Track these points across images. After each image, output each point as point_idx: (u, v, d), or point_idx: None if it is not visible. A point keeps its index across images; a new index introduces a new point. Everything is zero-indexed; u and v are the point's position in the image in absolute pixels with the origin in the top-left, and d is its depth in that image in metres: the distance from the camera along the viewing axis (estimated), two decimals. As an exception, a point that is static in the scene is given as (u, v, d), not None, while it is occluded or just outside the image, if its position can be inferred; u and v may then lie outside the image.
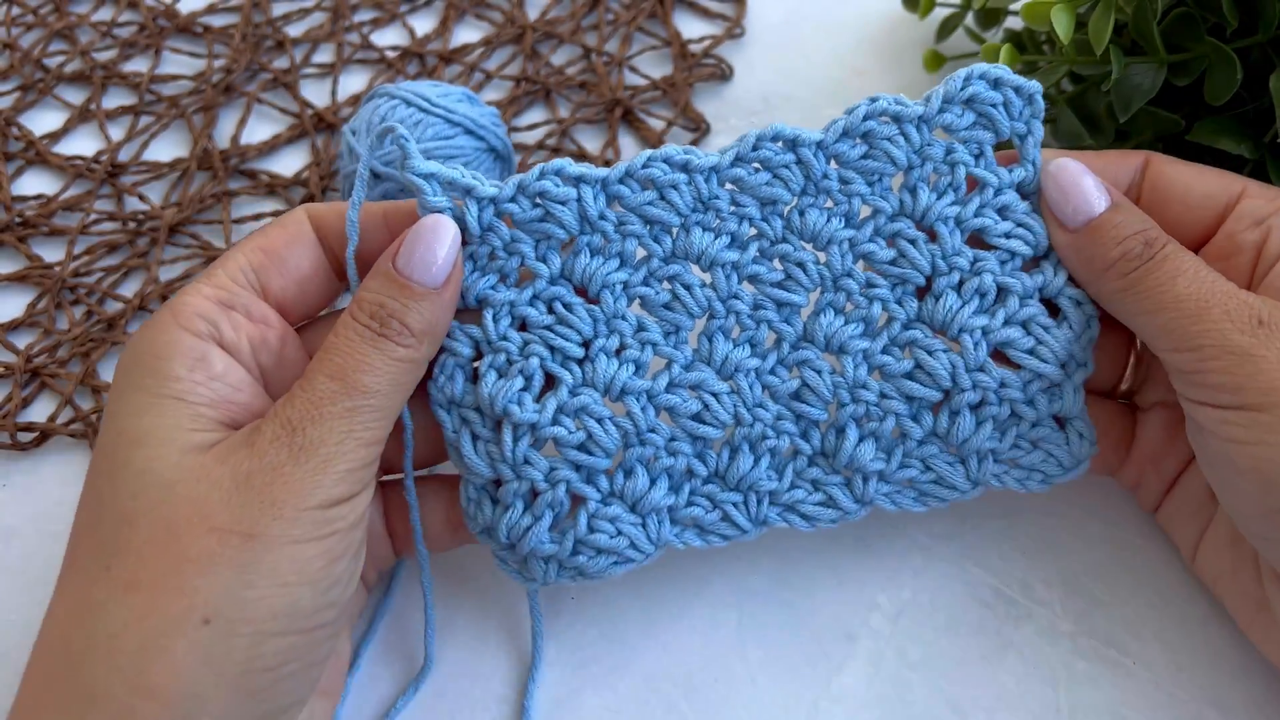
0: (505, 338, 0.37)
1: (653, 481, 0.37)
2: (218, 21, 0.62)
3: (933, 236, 0.38)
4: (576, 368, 0.37)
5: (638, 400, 0.37)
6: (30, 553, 0.43)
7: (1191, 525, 0.39)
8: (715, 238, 0.37)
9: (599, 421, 0.36)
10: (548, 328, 0.37)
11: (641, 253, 0.38)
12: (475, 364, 0.37)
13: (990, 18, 0.54)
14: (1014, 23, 0.55)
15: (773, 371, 0.38)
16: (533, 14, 0.61)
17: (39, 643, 0.31)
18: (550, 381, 0.37)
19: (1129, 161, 0.39)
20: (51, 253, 0.53)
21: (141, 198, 0.54)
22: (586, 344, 0.37)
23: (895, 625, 0.40)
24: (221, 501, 0.30)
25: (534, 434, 0.36)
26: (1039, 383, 0.37)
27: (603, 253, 0.37)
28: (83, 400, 0.48)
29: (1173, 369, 0.35)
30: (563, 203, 0.36)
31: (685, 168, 0.37)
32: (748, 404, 0.37)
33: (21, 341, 0.50)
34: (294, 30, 0.61)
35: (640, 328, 0.37)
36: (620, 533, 0.37)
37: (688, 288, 0.37)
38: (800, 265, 0.38)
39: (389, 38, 0.61)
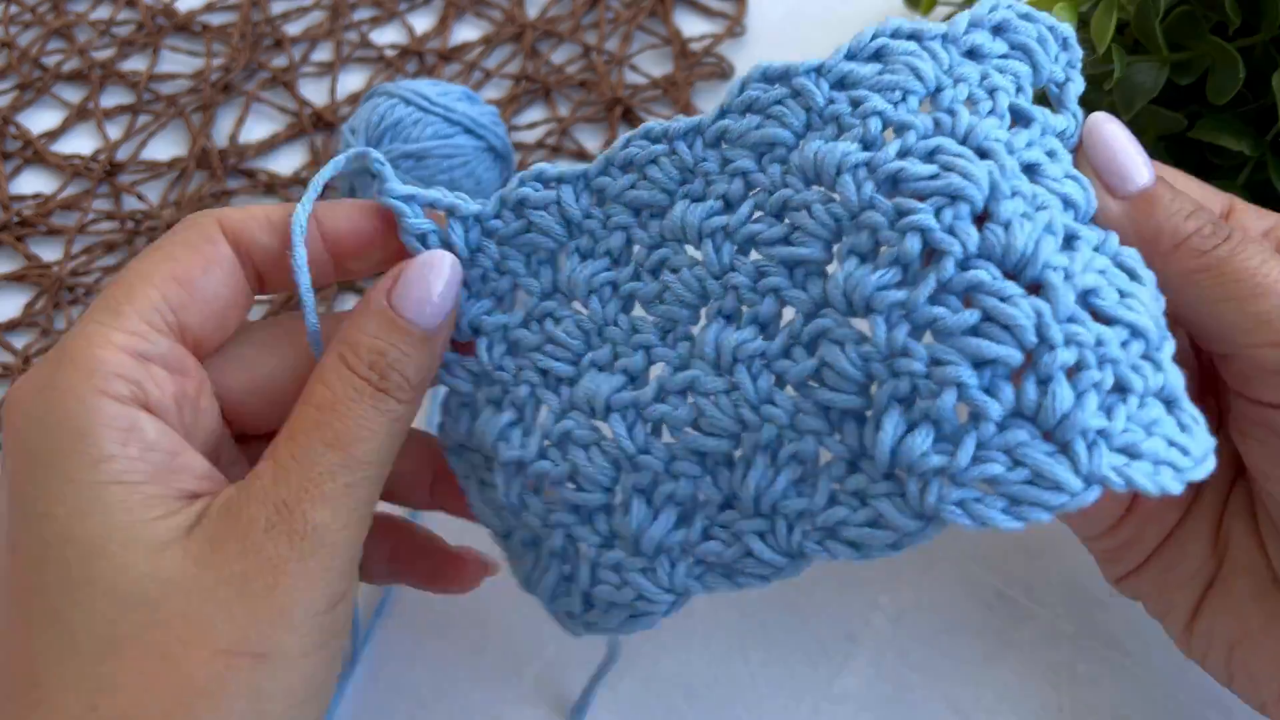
0: (500, 367, 0.33)
1: (656, 515, 0.30)
2: (216, 20, 0.62)
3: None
4: (566, 389, 0.32)
5: (624, 418, 0.31)
6: (28, 553, 0.43)
7: (1191, 585, 0.33)
8: (699, 204, 0.31)
9: (584, 449, 0.31)
10: (537, 348, 0.32)
11: (636, 247, 0.33)
12: None
13: (991, 16, 0.54)
14: (1015, 21, 0.55)
15: (789, 354, 0.29)
16: (532, 12, 0.61)
17: None
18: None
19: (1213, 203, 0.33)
20: (49, 252, 0.52)
21: (140, 197, 0.54)
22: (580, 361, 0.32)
23: (897, 626, 0.40)
24: (221, 616, 0.26)
25: (523, 473, 0.31)
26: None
27: (591, 254, 0.33)
28: (81, 400, 0.47)
29: (1262, 368, 0.29)
30: (543, 208, 0.32)
31: (664, 135, 0.32)
32: (750, 401, 0.29)
33: (19, 342, 0.50)
34: (292, 28, 0.61)
35: (634, 330, 0.32)
36: (626, 583, 0.31)
37: (675, 271, 0.31)
38: (806, 208, 0.29)
39: (388, 36, 0.61)
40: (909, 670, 0.39)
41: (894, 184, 0.28)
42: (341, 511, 0.27)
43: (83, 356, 0.27)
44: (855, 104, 0.29)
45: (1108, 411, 0.26)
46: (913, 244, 0.27)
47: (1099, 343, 0.26)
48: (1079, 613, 0.40)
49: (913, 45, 0.30)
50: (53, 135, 0.57)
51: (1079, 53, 0.31)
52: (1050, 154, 0.29)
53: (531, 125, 0.56)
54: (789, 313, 0.30)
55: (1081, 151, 0.31)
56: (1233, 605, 0.33)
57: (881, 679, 0.39)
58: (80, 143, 0.57)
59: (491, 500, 0.32)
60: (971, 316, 0.26)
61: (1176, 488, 0.26)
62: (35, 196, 0.54)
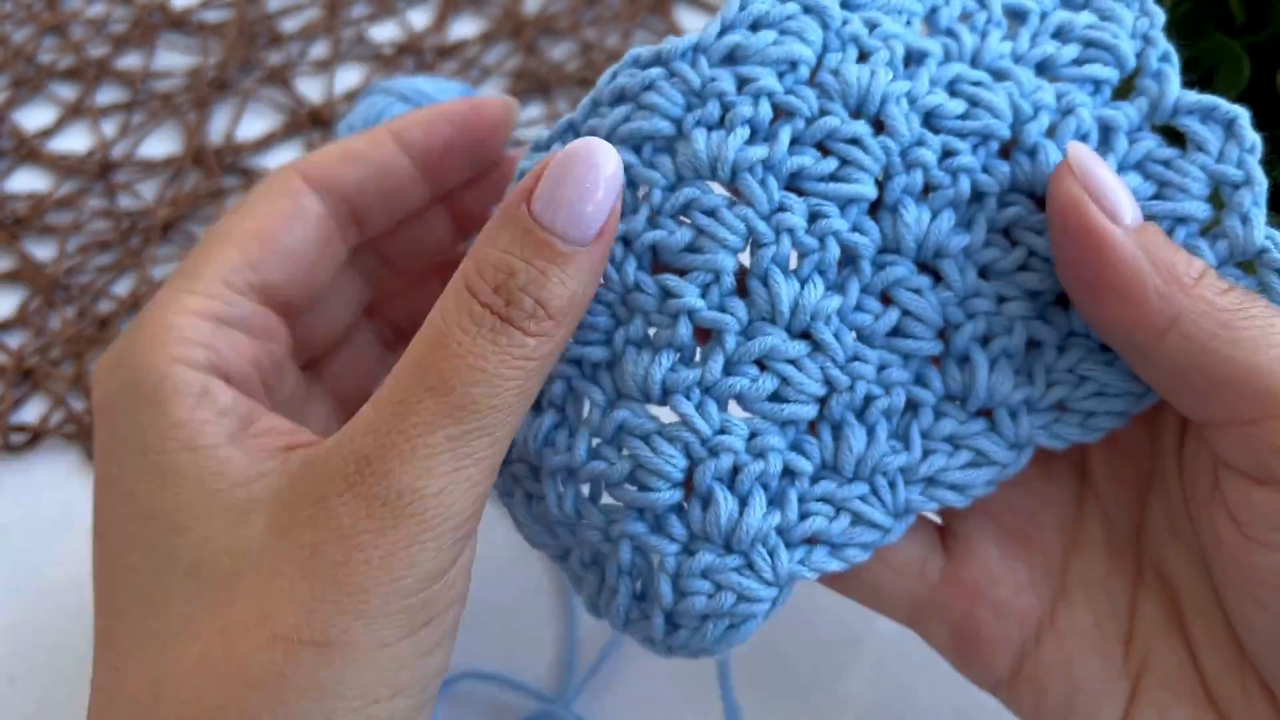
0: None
1: (743, 502, 0.27)
2: (212, 17, 0.61)
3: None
4: (607, 375, 0.28)
5: (688, 398, 0.27)
6: (21, 554, 0.43)
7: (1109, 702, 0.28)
8: (723, 132, 0.27)
9: (644, 439, 0.27)
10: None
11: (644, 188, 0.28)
12: None
13: (994, 12, 0.54)
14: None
15: (858, 307, 0.27)
16: (531, 8, 0.61)
17: None
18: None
19: None
20: (44, 251, 0.52)
21: (135, 195, 0.53)
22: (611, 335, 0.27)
23: (900, 629, 0.40)
24: (285, 591, 0.22)
25: (575, 479, 0.27)
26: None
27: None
28: (75, 401, 0.47)
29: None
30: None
31: (658, 59, 0.27)
32: (838, 361, 0.27)
33: (14, 341, 0.49)
34: (289, 25, 0.61)
35: (666, 293, 0.27)
36: (722, 587, 0.26)
37: (710, 213, 0.26)
38: (856, 142, 0.27)
39: (385, 32, 0.60)
40: (912, 674, 0.39)
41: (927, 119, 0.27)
42: (440, 473, 0.22)
43: (157, 324, 0.26)
44: (871, 26, 0.28)
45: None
46: (963, 186, 0.27)
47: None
48: (1083, 615, 0.40)
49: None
50: (47, 133, 0.56)
51: None
52: (1056, 35, 0.29)
53: (531, 123, 0.55)
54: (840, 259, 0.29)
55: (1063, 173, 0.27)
56: None
57: (884, 683, 0.39)
58: (75, 140, 0.56)
59: (542, 516, 0.28)
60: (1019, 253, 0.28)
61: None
62: (29, 195, 0.54)
